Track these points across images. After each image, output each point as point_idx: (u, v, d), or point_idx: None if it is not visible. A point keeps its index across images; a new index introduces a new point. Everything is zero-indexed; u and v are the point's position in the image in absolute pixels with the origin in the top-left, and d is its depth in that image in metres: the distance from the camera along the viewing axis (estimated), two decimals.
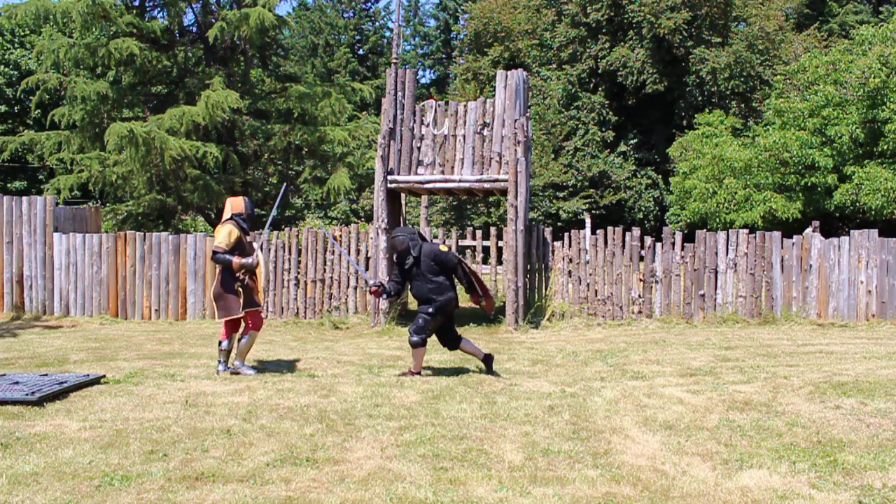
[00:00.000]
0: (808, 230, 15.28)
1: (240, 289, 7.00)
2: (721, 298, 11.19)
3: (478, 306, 7.43)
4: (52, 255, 12.02)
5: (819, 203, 18.47)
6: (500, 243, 14.44)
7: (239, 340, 7.16)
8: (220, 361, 7.19)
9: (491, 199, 22.98)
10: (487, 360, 7.28)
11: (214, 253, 7.01)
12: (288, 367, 7.56)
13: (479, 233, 15.53)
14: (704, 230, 11.96)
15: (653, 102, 28.91)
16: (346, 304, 11.61)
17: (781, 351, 8.56)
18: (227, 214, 7.22)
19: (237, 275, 7.01)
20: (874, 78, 17.11)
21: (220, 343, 7.21)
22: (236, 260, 7.00)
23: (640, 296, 11.18)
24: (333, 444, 4.85)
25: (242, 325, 7.23)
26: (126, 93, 16.84)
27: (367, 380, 6.86)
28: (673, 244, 11.30)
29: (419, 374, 7.10)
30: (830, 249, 11.18)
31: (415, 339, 6.97)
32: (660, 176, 28.49)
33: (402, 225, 13.54)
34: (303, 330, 10.83)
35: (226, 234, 7.07)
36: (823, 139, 18.24)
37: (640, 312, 11.15)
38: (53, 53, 16.37)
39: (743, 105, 28.35)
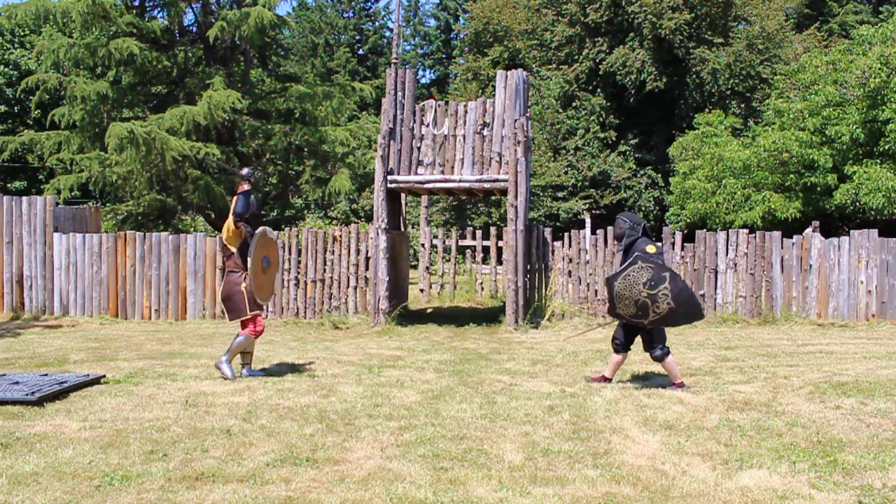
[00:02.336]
0: (808, 230, 15.28)
1: (244, 289, 6.88)
2: (721, 298, 11.19)
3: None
4: (52, 255, 12.01)
5: (819, 203, 18.46)
6: (500, 243, 14.46)
7: (235, 337, 7.00)
8: (242, 364, 7.08)
9: (491, 199, 22.97)
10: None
11: (235, 212, 6.79)
12: (288, 367, 7.56)
13: (479, 233, 15.57)
14: (704, 230, 11.96)
15: (653, 102, 28.91)
16: (346, 304, 11.61)
17: (781, 351, 8.56)
18: (231, 213, 7.06)
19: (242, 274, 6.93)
20: (874, 78, 17.10)
21: (241, 338, 7.01)
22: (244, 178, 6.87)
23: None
24: (333, 444, 4.85)
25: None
26: (126, 93, 16.83)
27: (367, 380, 6.86)
28: (673, 244, 11.30)
29: (609, 380, 6.72)
30: (830, 249, 11.18)
31: (614, 344, 6.66)
32: (659, 176, 28.50)
33: (402, 225, 13.54)
34: (303, 330, 10.83)
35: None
36: (823, 139, 18.23)
37: None
38: (53, 53, 16.36)
39: (743, 105, 28.35)
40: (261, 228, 7.05)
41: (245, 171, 7.00)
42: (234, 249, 6.97)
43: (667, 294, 6.19)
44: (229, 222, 6.94)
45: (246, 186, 6.93)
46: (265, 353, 8.45)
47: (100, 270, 11.92)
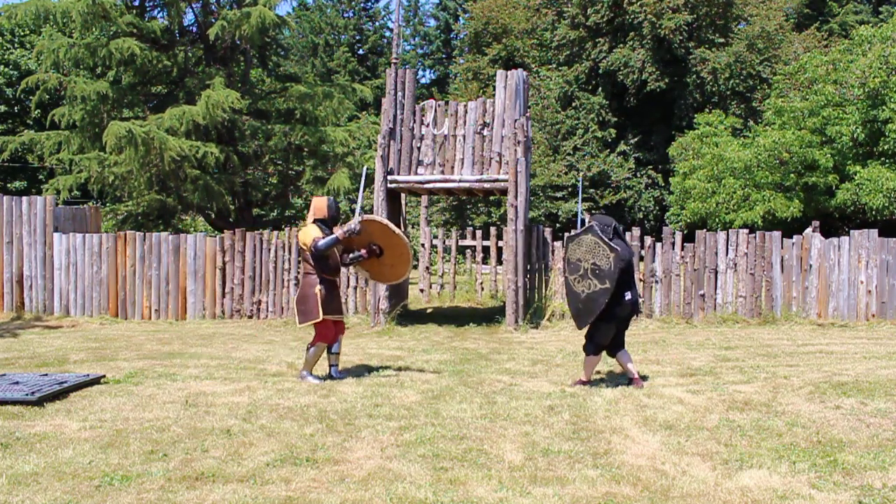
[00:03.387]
0: (808, 230, 15.27)
1: (319, 293, 6.74)
2: (721, 298, 11.19)
3: None
4: (52, 255, 12.01)
5: (819, 203, 18.47)
6: (500, 243, 14.45)
7: (307, 349, 6.92)
8: (332, 366, 6.98)
9: (491, 199, 22.97)
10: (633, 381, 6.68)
11: (315, 247, 6.66)
12: (288, 367, 7.56)
13: (479, 233, 15.56)
14: (704, 230, 11.96)
15: (653, 102, 28.89)
16: (346, 304, 11.61)
17: (781, 351, 8.56)
18: (310, 217, 6.96)
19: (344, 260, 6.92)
20: (874, 78, 17.11)
21: (328, 348, 6.96)
22: (339, 231, 6.80)
23: (640, 296, 11.18)
24: (333, 444, 4.85)
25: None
26: (126, 93, 16.84)
27: (367, 380, 6.86)
28: (673, 244, 11.30)
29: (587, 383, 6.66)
30: (830, 249, 11.18)
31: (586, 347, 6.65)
32: (660, 176, 28.48)
33: (402, 225, 13.54)
34: (303, 330, 10.82)
35: (317, 229, 6.79)
36: (823, 139, 18.24)
37: (640, 312, 11.14)
38: (53, 53, 16.37)
39: (743, 105, 28.33)
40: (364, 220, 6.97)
41: (355, 225, 6.90)
42: (309, 252, 6.80)
43: (592, 288, 6.36)
44: (306, 238, 6.77)
45: (338, 232, 6.83)
46: (265, 352, 8.46)
47: (100, 270, 11.92)
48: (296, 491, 4.02)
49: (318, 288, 6.76)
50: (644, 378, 6.80)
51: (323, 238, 6.74)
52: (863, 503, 3.91)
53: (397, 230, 7.03)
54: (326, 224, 6.93)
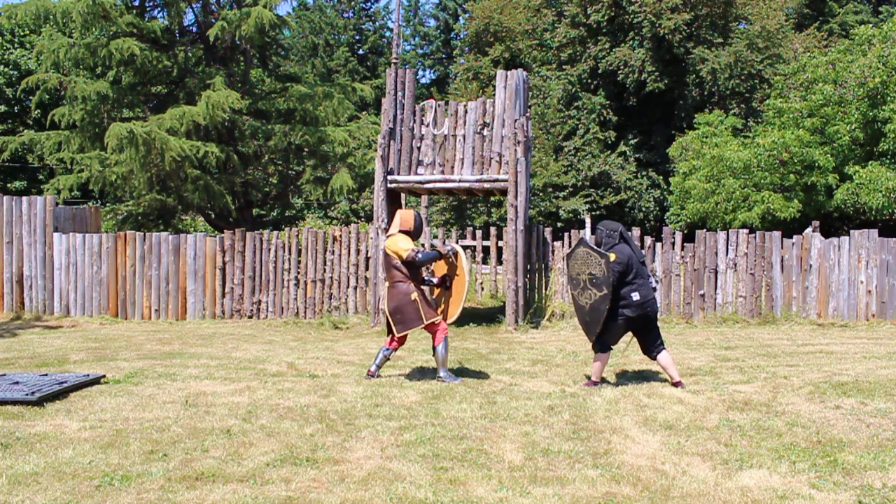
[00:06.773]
0: (808, 230, 15.27)
1: (417, 299, 6.69)
2: (721, 298, 11.19)
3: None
4: (52, 255, 12.02)
5: (819, 203, 18.46)
6: (500, 243, 14.45)
7: (434, 350, 6.83)
8: (377, 366, 6.98)
9: (491, 199, 22.97)
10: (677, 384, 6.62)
11: (416, 258, 6.66)
12: (288, 366, 7.56)
13: (479, 233, 15.57)
14: (704, 230, 11.95)
15: (653, 102, 28.88)
16: (346, 304, 11.61)
17: (781, 351, 8.56)
18: (394, 228, 6.90)
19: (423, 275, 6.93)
20: (874, 78, 17.11)
21: (386, 349, 6.96)
22: (443, 249, 6.88)
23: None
24: (333, 444, 4.85)
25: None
26: (126, 93, 16.86)
27: (367, 380, 6.86)
28: (673, 244, 11.30)
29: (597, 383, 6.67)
30: (830, 249, 11.18)
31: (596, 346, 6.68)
32: (660, 176, 28.47)
33: None
34: (303, 330, 10.83)
35: (407, 239, 6.76)
36: (823, 139, 18.24)
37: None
38: (53, 53, 16.39)
39: (743, 105, 28.32)
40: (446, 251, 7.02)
41: (447, 247, 7.01)
42: (398, 260, 6.73)
43: (593, 298, 6.47)
44: (397, 248, 6.72)
45: (442, 250, 6.92)
46: (265, 352, 8.46)
47: (100, 270, 11.92)
48: (296, 491, 4.02)
49: (414, 295, 6.70)
50: (678, 383, 6.57)
51: (418, 250, 6.75)
52: (863, 503, 3.91)
53: (467, 279, 7.03)
54: (411, 236, 6.89)
